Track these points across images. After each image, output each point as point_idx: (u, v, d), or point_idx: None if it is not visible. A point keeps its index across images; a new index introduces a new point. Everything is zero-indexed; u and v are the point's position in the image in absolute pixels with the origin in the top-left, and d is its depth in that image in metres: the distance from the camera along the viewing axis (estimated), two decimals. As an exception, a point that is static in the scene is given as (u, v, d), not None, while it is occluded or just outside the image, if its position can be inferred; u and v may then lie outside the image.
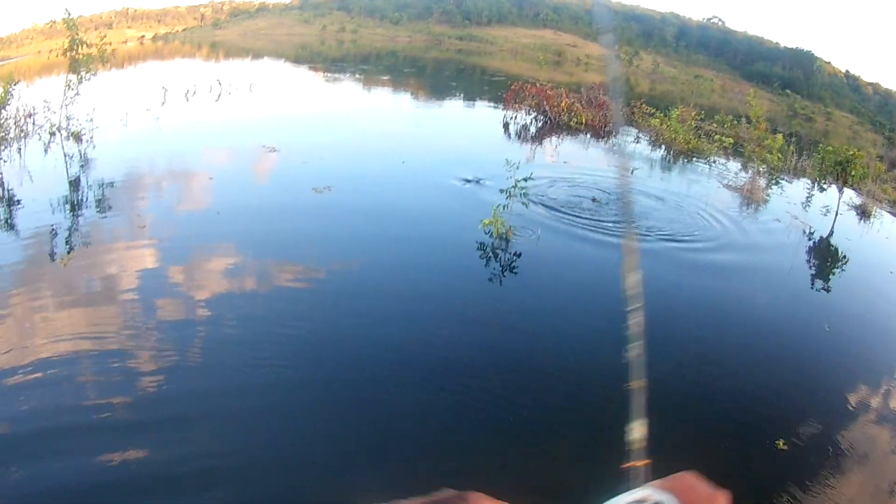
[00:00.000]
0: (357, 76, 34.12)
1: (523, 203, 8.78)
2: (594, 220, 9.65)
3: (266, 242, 7.76)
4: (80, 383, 4.57)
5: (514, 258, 7.93)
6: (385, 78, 34.62)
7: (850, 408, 5.44)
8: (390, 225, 8.87)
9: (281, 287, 6.57)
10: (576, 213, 9.91)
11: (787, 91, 64.17)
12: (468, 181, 11.22)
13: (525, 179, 8.59)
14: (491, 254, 8.00)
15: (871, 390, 5.80)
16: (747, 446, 4.74)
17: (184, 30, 76.52)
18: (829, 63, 76.42)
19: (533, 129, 18.89)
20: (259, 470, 3.89)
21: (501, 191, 8.90)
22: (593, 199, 10.74)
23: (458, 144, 15.73)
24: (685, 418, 4.87)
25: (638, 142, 18.59)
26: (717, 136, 19.07)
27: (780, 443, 4.70)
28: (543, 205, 10.13)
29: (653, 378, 0.91)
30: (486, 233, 8.33)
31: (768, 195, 13.22)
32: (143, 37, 68.75)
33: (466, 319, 6.21)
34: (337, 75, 33.46)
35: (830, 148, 14.37)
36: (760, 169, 15.14)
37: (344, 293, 6.47)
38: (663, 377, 5.25)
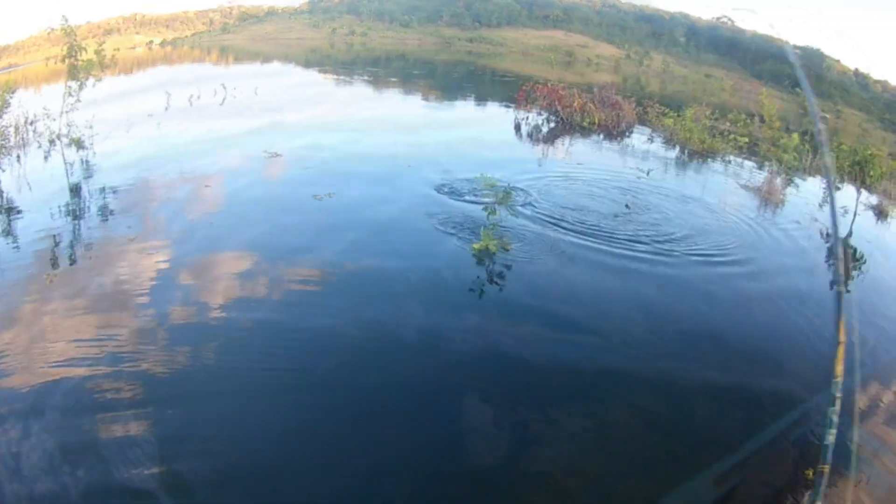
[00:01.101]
0: (366, 79, 33.98)
1: (512, 214, 8.45)
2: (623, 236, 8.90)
3: (255, 253, 7.52)
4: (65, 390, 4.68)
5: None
6: (394, 80, 34.49)
7: (883, 430, 5.23)
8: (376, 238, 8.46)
9: (269, 315, 6.19)
10: (603, 227, 9.13)
11: (798, 89, 63.80)
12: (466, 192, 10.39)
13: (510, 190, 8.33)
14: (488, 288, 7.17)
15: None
16: (775, 474, 4.54)
17: (193, 35, 76.62)
18: (837, 61, 75.96)
19: (545, 130, 18.78)
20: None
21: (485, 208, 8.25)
22: (626, 206, 10.30)
23: (467, 147, 15.41)
24: (707, 439, 4.85)
25: (652, 142, 18.57)
26: (731, 136, 19.01)
27: (810, 473, 4.29)
28: (558, 219, 9.32)
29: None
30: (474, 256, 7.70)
31: (785, 195, 13.13)
32: (151, 42, 68.54)
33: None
34: (346, 78, 33.26)
35: (845, 147, 14.29)
36: (776, 168, 15.06)
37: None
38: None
